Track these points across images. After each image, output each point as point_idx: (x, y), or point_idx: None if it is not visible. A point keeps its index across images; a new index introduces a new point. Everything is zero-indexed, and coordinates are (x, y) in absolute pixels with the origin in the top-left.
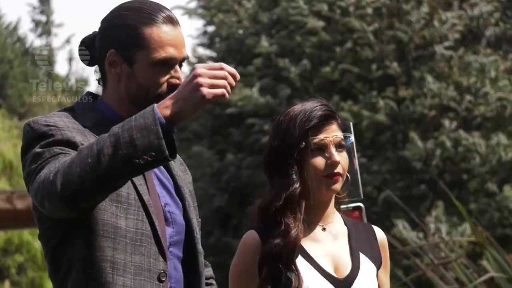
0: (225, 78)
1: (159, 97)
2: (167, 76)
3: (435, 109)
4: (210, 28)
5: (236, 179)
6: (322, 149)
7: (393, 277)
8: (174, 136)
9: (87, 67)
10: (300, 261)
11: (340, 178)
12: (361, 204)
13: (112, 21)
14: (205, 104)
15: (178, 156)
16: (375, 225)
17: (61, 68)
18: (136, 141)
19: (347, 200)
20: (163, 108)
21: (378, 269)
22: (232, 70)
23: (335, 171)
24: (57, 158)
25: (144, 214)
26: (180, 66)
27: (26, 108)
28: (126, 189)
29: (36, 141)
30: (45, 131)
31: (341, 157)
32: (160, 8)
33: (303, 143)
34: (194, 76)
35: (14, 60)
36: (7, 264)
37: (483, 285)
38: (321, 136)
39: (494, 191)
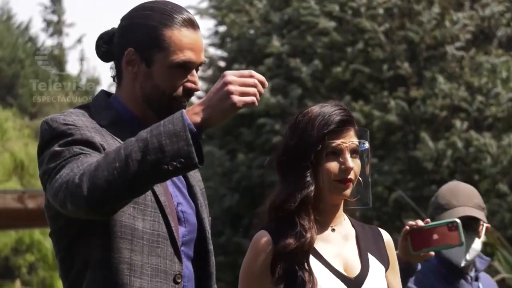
0: (255, 86)
1: (174, 100)
2: (184, 80)
3: (446, 110)
4: (221, 28)
5: (247, 179)
6: (337, 153)
7: None
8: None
9: (98, 66)
10: (311, 261)
11: (351, 184)
12: (457, 220)
13: (133, 19)
14: (235, 111)
15: None
16: (386, 225)
17: (72, 67)
18: (165, 147)
19: (358, 205)
20: (192, 115)
21: (386, 270)
22: (261, 77)
23: (348, 177)
24: (78, 158)
25: (160, 215)
26: (197, 70)
27: (37, 108)
28: None
29: (55, 139)
30: (64, 130)
31: (355, 164)
32: (182, 10)
33: (320, 146)
34: (224, 83)
35: (26, 59)
36: (18, 264)
37: None
38: (338, 141)
39: (505, 192)
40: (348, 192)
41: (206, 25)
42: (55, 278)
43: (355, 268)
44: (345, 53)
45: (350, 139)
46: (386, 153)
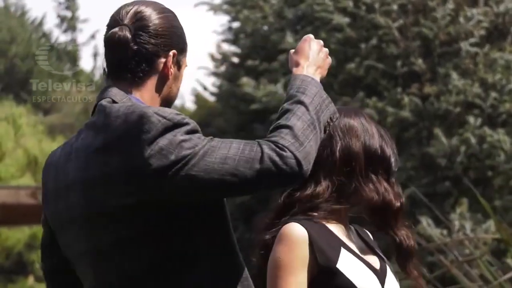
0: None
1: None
2: None
3: (460, 106)
4: (235, 24)
5: None
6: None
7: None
8: None
9: None
10: (346, 255)
11: None
12: None
13: (171, 22)
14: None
15: None
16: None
17: (86, 63)
18: (328, 109)
19: None
20: (316, 76)
21: None
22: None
23: None
24: (213, 141)
25: None
26: None
27: (51, 104)
28: None
29: (170, 129)
30: (180, 120)
31: None
32: None
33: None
34: (321, 45)
35: (39, 55)
36: (32, 259)
37: (507, 282)
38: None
39: None
40: None
41: (220, 21)
42: None
43: (376, 260)
44: (359, 49)
45: None
46: (400, 150)
